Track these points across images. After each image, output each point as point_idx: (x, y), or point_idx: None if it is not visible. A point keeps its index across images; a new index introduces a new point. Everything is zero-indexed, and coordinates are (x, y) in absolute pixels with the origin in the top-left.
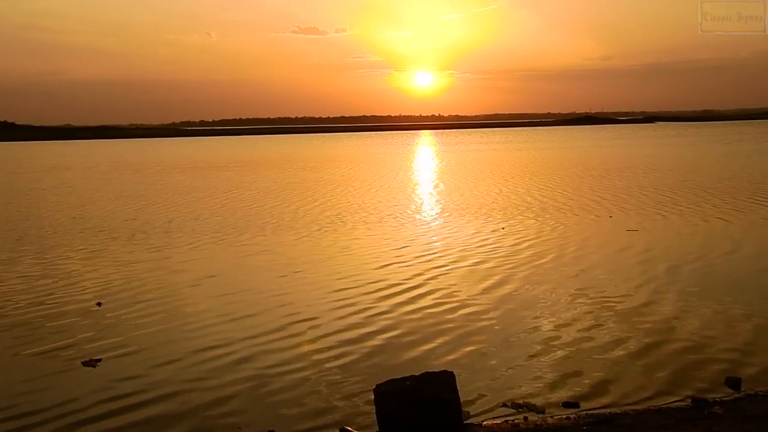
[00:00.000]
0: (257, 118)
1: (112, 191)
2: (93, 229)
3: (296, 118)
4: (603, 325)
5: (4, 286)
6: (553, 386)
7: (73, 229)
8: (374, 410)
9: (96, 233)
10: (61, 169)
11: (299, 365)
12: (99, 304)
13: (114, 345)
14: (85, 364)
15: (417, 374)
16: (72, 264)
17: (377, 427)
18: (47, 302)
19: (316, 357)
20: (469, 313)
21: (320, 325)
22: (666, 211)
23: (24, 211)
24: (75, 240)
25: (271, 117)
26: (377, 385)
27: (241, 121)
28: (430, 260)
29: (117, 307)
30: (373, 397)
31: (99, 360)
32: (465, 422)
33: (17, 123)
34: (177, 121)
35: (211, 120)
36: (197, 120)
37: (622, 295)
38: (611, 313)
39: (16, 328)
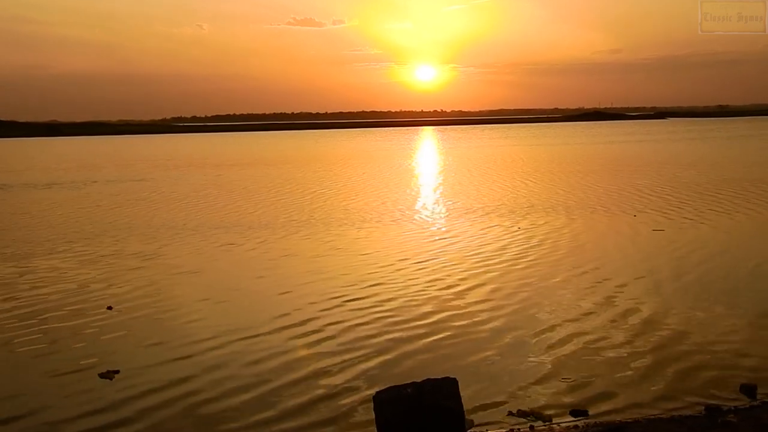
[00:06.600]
0: (252, 114)
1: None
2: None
3: (293, 113)
4: (615, 329)
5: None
6: (561, 393)
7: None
8: (374, 418)
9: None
10: (89, 167)
11: (299, 370)
12: (109, 307)
13: (132, 354)
14: (102, 376)
15: (418, 381)
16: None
17: None
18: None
19: (316, 362)
20: (475, 317)
21: (320, 328)
22: (694, 210)
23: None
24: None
25: (267, 113)
26: (377, 392)
27: (235, 117)
28: (436, 261)
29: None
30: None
31: (117, 371)
32: (468, 431)
33: (0, 119)
34: (168, 117)
35: (203, 116)
36: (189, 116)
37: (636, 298)
38: (624, 317)
39: (30, 335)
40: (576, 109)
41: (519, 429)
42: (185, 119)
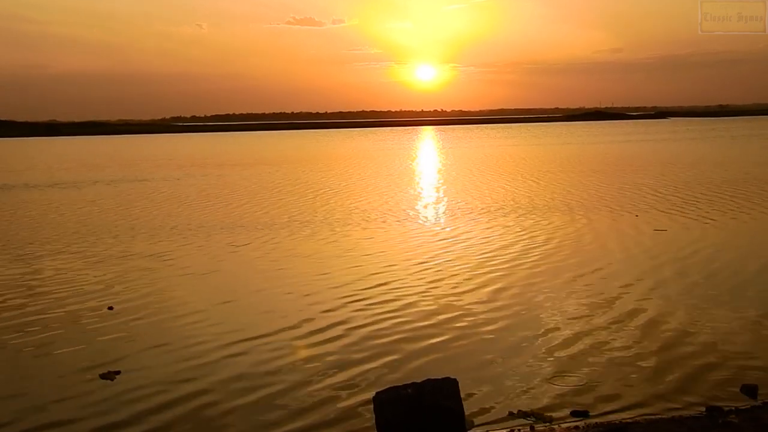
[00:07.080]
0: (251, 114)
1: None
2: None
3: (292, 113)
4: (616, 330)
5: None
6: (562, 394)
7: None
8: (374, 419)
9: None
10: (91, 167)
11: (301, 371)
12: (110, 307)
13: (133, 355)
14: (103, 377)
15: (418, 381)
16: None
17: None
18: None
19: (317, 362)
20: (477, 317)
21: (321, 329)
22: (697, 210)
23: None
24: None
25: (266, 112)
26: (377, 393)
27: (234, 117)
28: (441, 262)
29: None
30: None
31: (118, 372)
32: (469, 431)
33: None
34: (167, 117)
35: (203, 115)
36: (188, 115)
37: (637, 299)
38: (626, 318)
39: (32, 335)
40: (577, 109)
41: (519, 429)
42: (185, 119)
